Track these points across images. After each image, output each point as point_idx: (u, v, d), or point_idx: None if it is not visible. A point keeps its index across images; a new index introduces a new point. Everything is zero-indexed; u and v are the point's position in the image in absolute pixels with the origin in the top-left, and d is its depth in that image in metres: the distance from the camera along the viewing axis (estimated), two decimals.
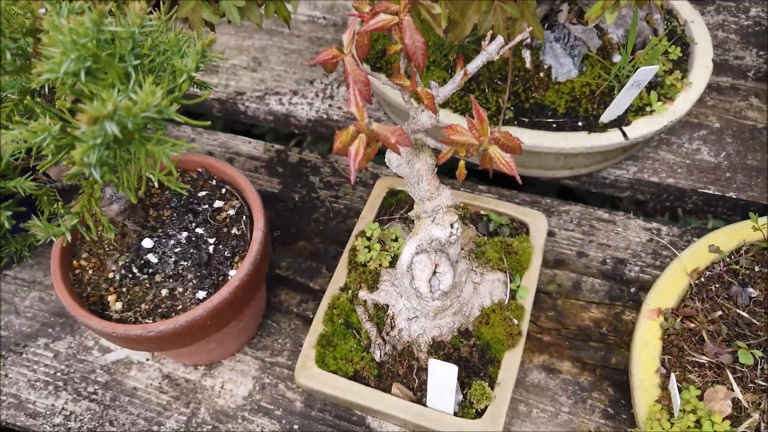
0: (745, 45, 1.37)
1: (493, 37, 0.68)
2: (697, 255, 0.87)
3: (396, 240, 0.92)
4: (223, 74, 1.41)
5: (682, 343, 0.78)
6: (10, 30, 0.57)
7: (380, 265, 0.90)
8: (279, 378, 0.96)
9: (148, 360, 0.99)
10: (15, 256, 0.65)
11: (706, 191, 1.14)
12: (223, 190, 0.91)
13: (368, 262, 0.90)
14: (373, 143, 0.61)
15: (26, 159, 0.68)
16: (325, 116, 1.31)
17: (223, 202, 0.89)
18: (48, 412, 0.95)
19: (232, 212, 0.88)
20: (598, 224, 1.11)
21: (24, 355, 1.00)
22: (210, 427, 0.92)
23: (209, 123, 0.55)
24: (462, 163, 0.68)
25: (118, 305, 0.81)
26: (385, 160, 0.77)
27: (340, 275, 0.92)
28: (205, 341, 0.85)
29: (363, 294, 0.88)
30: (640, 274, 1.04)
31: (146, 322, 0.78)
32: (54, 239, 0.59)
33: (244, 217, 0.88)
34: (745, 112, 1.25)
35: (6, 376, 0.99)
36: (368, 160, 0.61)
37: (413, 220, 0.98)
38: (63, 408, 0.95)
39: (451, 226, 0.78)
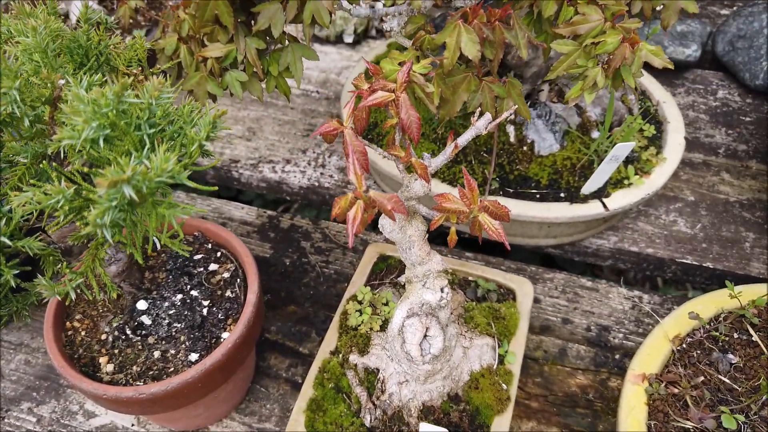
0: (714, 124, 1.46)
1: (481, 114, 0.73)
2: (678, 321, 0.90)
3: (387, 304, 0.94)
4: (218, 142, 1.46)
5: (667, 408, 0.80)
6: (30, 99, 0.61)
7: (371, 329, 0.91)
8: None
9: (133, 425, 0.97)
10: (15, 315, 0.66)
11: (684, 261, 1.18)
12: (219, 254, 0.93)
13: (359, 325, 0.92)
14: (370, 209, 0.64)
15: (31, 220, 0.70)
16: (316, 184, 1.35)
17: (218, 266, 0.91)
18: None
19: (226, 275, 0.90)
20: (581, 292, 1.14)
21: (6, 420, 0.98)
22: None
23: (216, 188, 0.58)
24: (453, 229, 0.71)
25: (110, 367, 0.81)
26: (379, 225, 0.80)
27: (331, 339, 0.94)
28: (194, 405, 0.85)
29: (354, 358, 0.89)
30: (624, 341, 1.06)
31: (137, 385, 0.78)
32: (59, 297, 0.60)
33: (238, 280, 0.89)
34: (718, 187, 1.31)
35: None
36: (365, 225, 0.64)
37: (403, 285, 1.00)
38: None
39: (442, 290, 0.81)
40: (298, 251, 1.23)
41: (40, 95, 0.61)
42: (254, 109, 1.55)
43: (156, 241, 0.62)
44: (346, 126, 0.66)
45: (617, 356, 1.04)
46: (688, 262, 1.18)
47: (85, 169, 0.54)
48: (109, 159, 0.55)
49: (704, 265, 1.18)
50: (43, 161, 0.60)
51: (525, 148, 1.09)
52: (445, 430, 0.73)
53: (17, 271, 0.61)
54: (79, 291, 0.80)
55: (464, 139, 0.73)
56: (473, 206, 0.68)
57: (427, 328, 0.81)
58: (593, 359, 1.04)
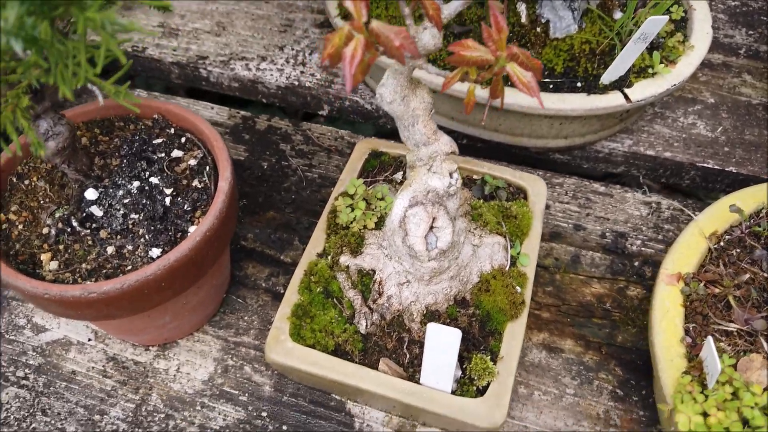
0: (734, 24, 1.33)
1: None
2: (714, 218, 0.79)
3: (383, 199, 0.81)
4: (183, 37, 1.29)
5: (706, 309, 0.70)
6: None
7: (365, 226, 0.79)
8: (245, 360, 0.83)
9: (90, 340, 0.85)
10: None
11: (705, 165, 1.07)
12: (183, 139, 0.79)
13: (351, 223, 0.79)
14: (372, 50, 0.50)
15: None
16: (296, 83, 1.20)
17: (182, 152, 0.77)
18: None
19: (193, 162, 0.76)
20: (594, 197, 1.03)
21: None
22: (163, 415, 0.79)
23: (170, 4, 0.43)
24: (471, 88, 0.58)
25: (53, 264, 0.67)
26: (377, 96, 0.66)
27: (318, 240, 0.81)
28: (159, 312, 0.72)
29: (345, 259, 0.77)
30: (642, 248, 0.96)
31: (87, 283, 0.65)
32: None
33: (207, 168, 0.76)
34: (739, 89, 1.19)
35: None
36: (365, 71, 0.51)
37: (400, 182, 0.88)
38: None
39: (450, 175, 0.68)
40: (276, 154, 1.09)
41: None
42: (224, 2, 1.37)
43: (95, 89, 0.47)
44: None
45: (636, 264, 0.94)
46: (710, 166, 1.07)
47: None
48: None
49: (727, 169, 1.07)
50: None
51: (538, 29, 0.95)
52: (458, 330, 0.61)
53: None
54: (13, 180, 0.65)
55: None
56: (500, 53, 0.54)
57: (433, 219, 0.68)
58: (609, 267, 0.93)
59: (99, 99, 0.49)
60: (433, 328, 0.62)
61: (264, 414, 0.79)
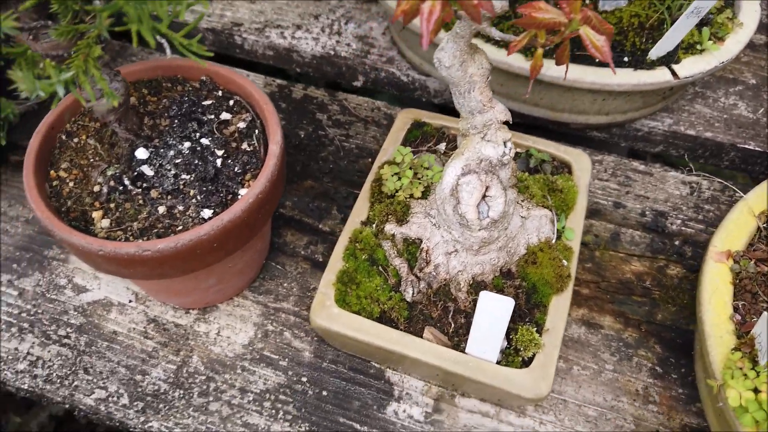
0: None
1: None
2: (763, 197, 0.78)
3: (429, 168, 0.81)
4: (217, 3, 1.28)
5: (756, 287, 0.69)
6: None
7: (411, 195, 0.78)
8: (285, 325, 0.84)
9: (131, 302, 0.85)
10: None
11: (746, 147, 1.06)
12: (231, 102, 0.78)
13: (397, 191, 0.79)
14: (447, 7, 0.49)
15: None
16: (332, 52, 1.19)
17: (231, 115, 0.77)
18: (10, 357, 0.81)
19: (242, 125, 0.75)
20: (634, 175, 1.02)
21: None
22: (204, 377, 0.79)
23: None
24: (539, 52, 0.57)
25: (105, 222, 0.67)
26: (434, 60, 0.66)
27: (361, 209, 0.81)
28: (206, 273, 0.72)
29: (390, 227, 0.76)
30: (683, 228, 0.95)
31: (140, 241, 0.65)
32: (42, 94, 0.45)
33: (256, 131, 0.75)
34: None
35: None
36: (439, 28, 0.50)
37: (444, 153, 0.87)
38: (29, 353, 0.81)
39: (505, 144, 0.68)
40: (313, 123, 1.09)
41: None
42: None
43: (166, 42, 0.47)
44: None
45: (676, 243, 0.93)
46: (751, 148, 1.06)
47: None
48: None
49: None
50: None
51: (587, 1, 0.94)
52: (511, 300, 0.61)
53: None
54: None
55: None
56: (574, 16, 0.53)
57: (486, 188, 0.68)
58: (649, 245, 0.93)
59: (167, 52, 0.48)
60: (485, 296, 0.62)
61: (304, 379, 0.79)
